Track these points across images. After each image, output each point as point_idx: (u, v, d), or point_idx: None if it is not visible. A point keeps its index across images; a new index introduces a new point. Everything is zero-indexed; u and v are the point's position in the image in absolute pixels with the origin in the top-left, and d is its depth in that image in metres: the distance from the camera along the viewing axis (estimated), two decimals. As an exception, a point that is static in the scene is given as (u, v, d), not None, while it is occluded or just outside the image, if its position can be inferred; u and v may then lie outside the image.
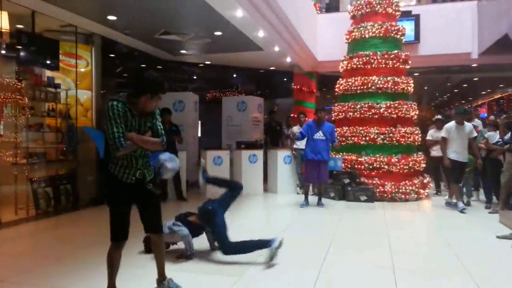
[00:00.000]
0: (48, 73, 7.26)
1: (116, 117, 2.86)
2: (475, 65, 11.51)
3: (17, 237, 5.24)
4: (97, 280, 3.40)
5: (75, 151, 7.36)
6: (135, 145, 2.94)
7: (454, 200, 6.95)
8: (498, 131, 6.99)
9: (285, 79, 13.74)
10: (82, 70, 7.91)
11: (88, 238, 5.07)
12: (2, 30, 6.67)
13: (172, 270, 3.42)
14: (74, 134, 7.32)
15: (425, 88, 17.64)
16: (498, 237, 5.00)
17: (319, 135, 7.09)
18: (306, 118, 8.67)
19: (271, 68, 12.26)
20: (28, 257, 4.33)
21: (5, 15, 6.53)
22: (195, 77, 14.44)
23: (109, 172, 2.96)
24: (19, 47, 6.41)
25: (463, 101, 21.86)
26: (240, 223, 6.05)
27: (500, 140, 6.78)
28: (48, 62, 6.94)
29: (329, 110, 11.29)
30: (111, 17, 7.20)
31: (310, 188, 8.49)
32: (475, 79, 15.56)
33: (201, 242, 4.47)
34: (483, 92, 19.34)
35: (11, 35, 6.71)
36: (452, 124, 6.85)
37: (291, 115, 11.28)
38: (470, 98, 21.20)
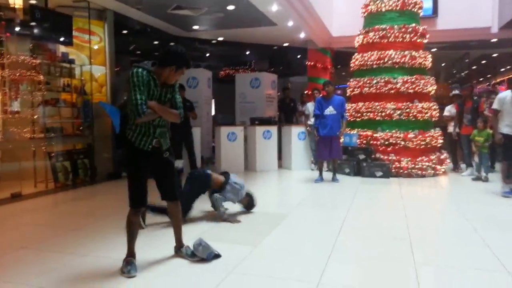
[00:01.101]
0: (62, 48, 7.29)
1: (140, 84, 2.89)
2: (494, 40, 11.19)
3: (36, 209, 5.34)
4: (116, 247, 3.46)
5: (91, 126, 7.43)
6: (156, 114, 2.98)
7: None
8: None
9: (298, 56, 13.57)
10: (96, 46, 7.91)
11: (105, 210, 5.15)
12: (16, 6, 6.70)
13: (189, 239, 3.46)
14: (89, 109, 7.38)
15: (443, 64, 17.27)
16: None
17: (329, 110, 6.96)
18: (320, 95, 8.57)
19: (285, 44, 12.09)
20: (47, 227, 4.43)
21: (18, -10, 6.54)
22: (208, 55, 14.35)
23: (127, 139, 3.00)
24: (33, 23, 6.41)
25: (481, 78, 21.36)
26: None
27: None
28: (62, 37, 6.95)
29: (344, 88, 11.16)
30: (124, -9, 7.15)
31: (325, 164, 8.47)
32: (494, 55, 15.15)
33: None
34: (502, 69, 18.83)
35: (24, 11, 6.73)
36: (506, 93, 5.98)
37: (305, 91, 11.16)
38: (489, 75, 20.68)
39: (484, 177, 7.13)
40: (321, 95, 8.12)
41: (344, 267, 3.20)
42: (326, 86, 7.12)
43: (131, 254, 3.09)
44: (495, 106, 6.02)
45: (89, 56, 7.63)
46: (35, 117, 6.59)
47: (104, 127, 7.65)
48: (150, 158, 3.05)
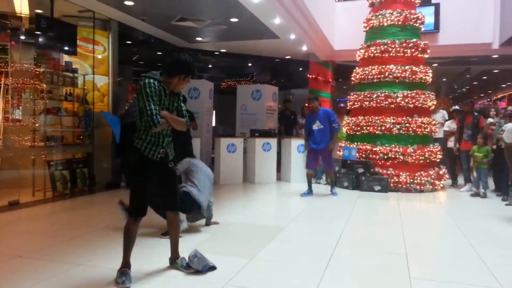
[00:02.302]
0: (66, 58, 7.36)
1: (153, 95, 2.95)
2: (495, 56, 11.24)
3: (34, 218, 5.35)
4: (111, 257, 3.46)
5: (92, 135, 7.47)
6: (167, 123, 3.04)
7: None
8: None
9: (300, 69, 13.65)
10: (99, 56, 7.99)
11: (103, 220, 5.14)
12: (22, 15, 6.79)
13: (185, 250, 3.46)
14: (91, 118, 7.42)
15: (444, 79, 17.33)
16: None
17: (316, 125, 7.00)
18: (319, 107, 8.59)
19: (287, 56, 12.18)
20: (44, 236, 4.43)
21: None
22: (210, 66, 14.44)
23: (135, 148, 3.03)
24: (38, 32, 6.48)
25: (482, 94, 21.41)
26: (252, 209, 6.10)
27: None
28: (66, 47, 7.02)
29: (345, 101, 11.18)
30: (128, 3, 7.23)
31: (323, 177, 8.48)
32: (495, 71, 15.21)
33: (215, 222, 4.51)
34: (503, 85, 18.88)
35: (30, 20, 6.82)
36: None
37: (306, 104, 11.20)
38: (490, 91, 20.74)
39: (482, 193, 7.12)
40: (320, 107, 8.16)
41: (340, 280, 3.19)
42: (311, 102, 7.16)
43: (126, 264, 3.09)
44: (508, 140, 6.03)
45: (93, 65, 7.70)
46: (36, 125, 6.64)
47: (104, 136, 7.69)
48: (155, 167, 3.10)
